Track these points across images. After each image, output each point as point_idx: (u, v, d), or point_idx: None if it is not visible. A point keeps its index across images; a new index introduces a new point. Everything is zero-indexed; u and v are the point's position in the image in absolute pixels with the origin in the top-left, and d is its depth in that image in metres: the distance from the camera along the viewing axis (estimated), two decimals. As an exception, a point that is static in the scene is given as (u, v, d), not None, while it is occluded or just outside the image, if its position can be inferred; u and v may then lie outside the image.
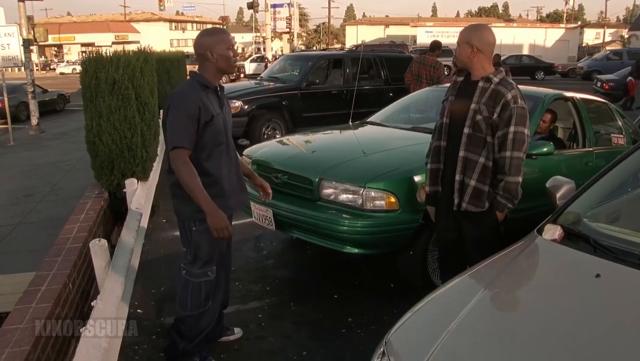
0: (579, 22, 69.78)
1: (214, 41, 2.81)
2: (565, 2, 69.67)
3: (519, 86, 3.13)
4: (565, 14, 77.48)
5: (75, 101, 17.14)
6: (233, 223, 5.63)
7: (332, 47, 50.33)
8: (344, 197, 3.76)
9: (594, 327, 1.81)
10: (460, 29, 3.25)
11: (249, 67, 34.97)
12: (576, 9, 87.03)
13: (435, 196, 3.26)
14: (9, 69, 11.76)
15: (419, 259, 3.85)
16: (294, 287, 4.31)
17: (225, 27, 43.47)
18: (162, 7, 43.93)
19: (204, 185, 2.71)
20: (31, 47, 14.28)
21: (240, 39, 75.53)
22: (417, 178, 3.69)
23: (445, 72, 10.08)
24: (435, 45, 9.36)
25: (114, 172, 4.95)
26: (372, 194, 3.66)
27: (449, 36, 38.05)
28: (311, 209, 3.84)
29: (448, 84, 3.45)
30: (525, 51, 39.99)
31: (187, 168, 2.68)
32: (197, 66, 2.91)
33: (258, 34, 54.32)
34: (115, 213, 5.05)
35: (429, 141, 3.36)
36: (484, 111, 2.98)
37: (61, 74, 44.42)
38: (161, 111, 3.28)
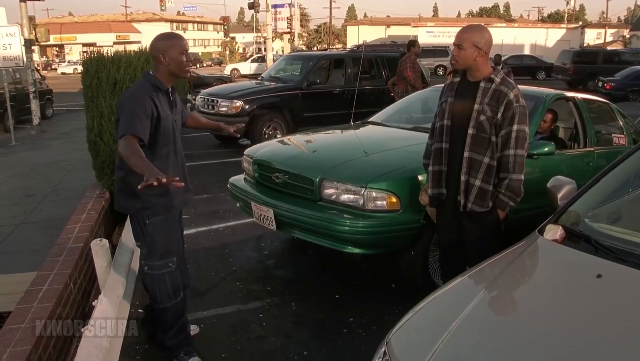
0: (580, 22, 69.69)
1: (168, 45, 2.89)
2: (567, 2, 69.55)
3: (519, 86, 3.15)
4: (566, 14, 77.36)
5: (77, 101, 17.14)
6: (233, 223, 5.69)
7: (333, 47, 50.35)
8: (345, 197, 3.76)
9: (595, 327, 1.81)
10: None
11: (250, 67, 34.99)
12: (577, 9, 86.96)
13: (438, 198, 3.26)
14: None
15: (420, 260, 3.84)
16: (295, 287, 4.31)
17: (226, 26, 43.52)
18: (163, 7, 43.96)
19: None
20: (32, 47, 14.29)
21: (242, 39, 75.65)
22: (418, 178, 3.68)
23: (438, 72, 10.22)
24: (411, 43, 9.49)
25: (115, 173, 4.96)
26: (373, 194, 3.66)
27: (450, 36, 37.89)
28: (312, 209, 3.83)
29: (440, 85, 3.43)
30: (527, 51, 39.99)
31: (130, 147, 2.61)
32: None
33: (259, 34, 54.35)
34: (116, 212, 5.04)
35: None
36: (488, 111, 2.99)
37: (62, 74, 44.55)
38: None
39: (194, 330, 3.51)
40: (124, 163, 2.70)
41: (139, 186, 2.44)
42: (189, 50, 3.04)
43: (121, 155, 2.69)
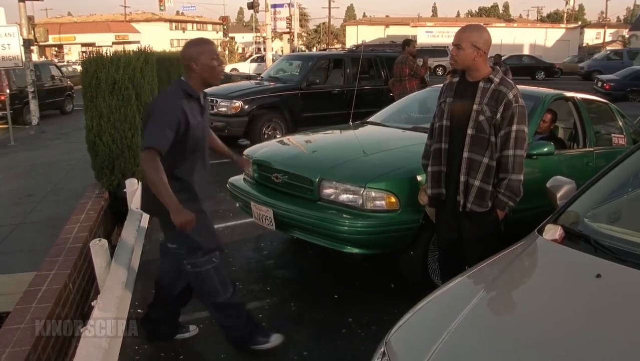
0: (579, 22, 69.76)
1: (199, 52, 2.88)
2: (566, 2, 69.62)
3: (517, 86, 3.15)
4: (565, 14, 77.42)
5: (76, 101, 17.16)
6: (233, 223, 5.68)
7: (333, 47, 50.35)
8: (344, 197, 3.76)
9: (595, 328, 1.81)
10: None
11: (249, 68, 35.00)
12: (576, 9, 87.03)
13: (438, 198, 3.26)
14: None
15: (420, 260, 3.84)
16: (295, 287, 4.31)
17: (225, 27, 43.47)
18: (162, 7, 43.93)
19: (176, 190, 2.76)
20: (31, 47, 14.29)
21: (241, 39, 75.60)
22: (417, 178, 3.69)
23: (437, 72, 10.30)
24: (405, 43, 9.50)
25: (115, 172, 4.96)
26: (373, 194, 3.66)
27: (449, 36, 37.88)
28: (311, 209, 3.83)
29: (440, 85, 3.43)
30: (526, 51, 39.98)
31: (153, 165, 2.68)
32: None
33: (258, 34, 54.32)
34: (116, 212, 5.06)
35: (429, 141, 3.37)
36: (487, 112, 2.99)
37: (61, 74, 44.40)
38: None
39: (192, 330, 3.51)
40: None
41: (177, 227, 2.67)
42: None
43: (145, 174, 2.74)
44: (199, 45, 2.92)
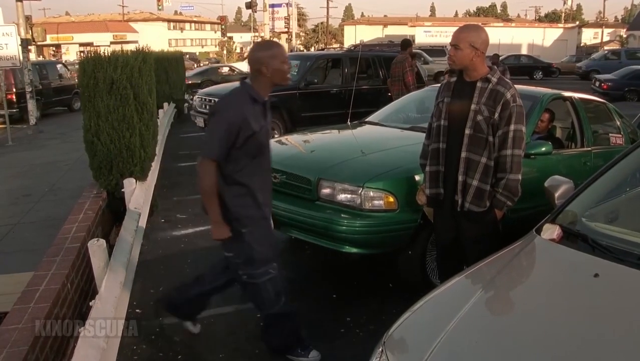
0: (577, 22, 69.80)
1: (270, 56, 2.83)
2: (564, 2, 69.78)
3: (515, 86, 3.15)
4: (563, 13, 77.56)
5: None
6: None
7: (331, 47, 50.31)
8: (342, 197, 3.76)
9: (592, 327, 1.82)
10: None
11: (248, 67, 34.91)
12: (574, 8, 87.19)
13: (436, 198, 3.26)
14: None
15: (418, 259, 3.85)
16: (293, 287, 4.28)
17: (223, 26, 43.45)
18: (160, 7, 43.93)
19: (237, 195, 2.82)
20: (29, 47, 14.26)
21: (239, 38, 75.44)
22: (416, 178, 3.69)
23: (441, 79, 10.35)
24: (406, 43, 9.51)
25: (113, 172, 4.95)
26: (371, 193, 3.66)
27: (447, 36, 37.85)
28: (310, 209, 3.83)
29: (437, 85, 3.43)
30: (524, 51, 39.97)
31: (207, 177, 2.77)
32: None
33: (256, 34, 54.25)
34: (114, 212, 5.05)
35: (427, 141, 3.37)
36: (485, 111, 3.00)
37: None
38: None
39: (197, 328, 3.51)
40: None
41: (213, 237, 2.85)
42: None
43: (199, 186, 2.82)
44: (270, 49, 2.88)
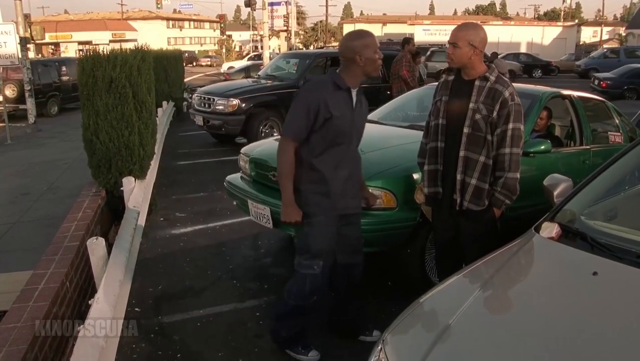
0: (576, 20, 69.82)
1: (363, 45, 2.86)
2: (563, 0, 69.75)
3: (514, 84, 3.15)
4: (562, 12, 77.56)
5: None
6: (230, 221, 5.68)
7: (330, 45, 50.30)
8: (341, 195, 3.75)
9: (591, 325, 1.82)
10: None
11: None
12: (573, 7, 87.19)
13: (434, 197, 3.26)
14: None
15: (417, 257, 3.84)
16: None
17: (222, 25, 43.40)
18: (159, 5, 43.87)
19: (311, 181, 2.87)
20: (28, 46, 14.25)
21: (238, 37, 75.42)
22: (415, 176, 3.68)
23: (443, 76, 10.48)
24: (405, 41, 9.53)
25: (112, 171, 4.95)
26: (370, 192, 3.65)
27: (447, 34, 37.78)
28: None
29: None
30: (523, 49, 39.98)
31: (284, 156, 2.88)
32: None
33: (255, 32, 54.20)
34: (113, 211, 5.05)
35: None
36: (483, 110, 2.99)
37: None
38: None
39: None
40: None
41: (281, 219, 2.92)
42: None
43: (277, 166, 2.93)
44: (363, 38, 2.90)
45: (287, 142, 2.89)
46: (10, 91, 14.78)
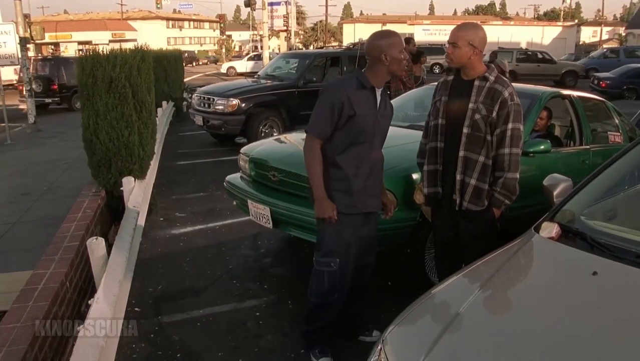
0: (576, 20, 69.84)
1: (389, 44, 2.86)
2: (562, 0, 69.75)
3: (514, 84, 3.15)
4: (562, 12, 77.60)
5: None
6: (230, 221, 5.68)
7: (330, 45, 50.31)
8: (341, 195, 3.75)
9: (591, 325, 1.82)
10: None
11: (247, 66, 34.96)
12: (573, 7, 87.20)
13: (434, 197, 3.26)
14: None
15: (417, 257, 3.85)
16: (292, 285, 4.31)
17: (222, 25, 43.40)
18: (159, 5, 43.85)
19: (333, 178, 2.88)
20: (28, 46, 14.26)
21: (238, 37, 75.50)
22: (414, 176, 3.69)
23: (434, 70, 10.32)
24: (405, 41, 9.50)
25: (111, 171, 4.95)
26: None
27: (446, 34, 37.83)
28: (309, 207, 3.81)
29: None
30: (523, 49, 39.97)
31: (311, 154, 2.91)
32: None
33: (255, 32, 54.23)
34: (113, 211, 5.05)
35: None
36: (483, 110, 2.99)
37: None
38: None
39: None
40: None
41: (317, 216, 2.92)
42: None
43: (305, 164, 2.94)
44: (389, 38, 2.90)
45: (312, 140, 2.91)
46: (36, 86, 16.06)
